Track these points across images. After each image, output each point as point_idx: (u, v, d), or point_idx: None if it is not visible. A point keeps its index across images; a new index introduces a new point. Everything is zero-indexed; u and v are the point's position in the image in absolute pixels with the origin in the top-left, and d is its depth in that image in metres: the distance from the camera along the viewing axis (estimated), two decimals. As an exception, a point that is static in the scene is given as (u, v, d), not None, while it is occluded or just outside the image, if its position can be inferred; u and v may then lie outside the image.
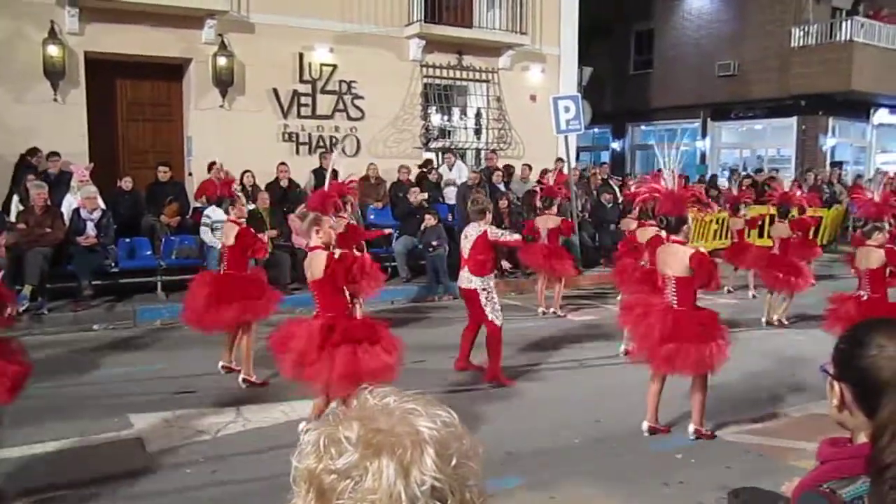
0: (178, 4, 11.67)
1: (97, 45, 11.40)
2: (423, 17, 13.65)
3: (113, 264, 9.78)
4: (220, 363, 6.99)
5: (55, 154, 10.55)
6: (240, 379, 6.67)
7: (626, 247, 9.12)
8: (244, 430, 5.60)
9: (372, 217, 12.11)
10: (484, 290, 6.77)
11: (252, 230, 7.13)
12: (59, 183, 10.24)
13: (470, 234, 6.80)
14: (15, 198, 10.00)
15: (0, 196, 10.43)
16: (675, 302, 5.40)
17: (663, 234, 7.39)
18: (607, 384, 6.89)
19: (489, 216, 6.91)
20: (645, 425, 5.56)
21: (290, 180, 11.78)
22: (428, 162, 13.77)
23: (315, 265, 5.16)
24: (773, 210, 11.16)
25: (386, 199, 12.45)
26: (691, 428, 5.51)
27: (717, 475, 4.84)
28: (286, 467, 1.02)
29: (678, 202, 5.59)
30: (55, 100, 11.09)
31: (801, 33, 19.81)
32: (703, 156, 22.42)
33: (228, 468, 4.91)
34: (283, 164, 11.85)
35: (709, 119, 22.21)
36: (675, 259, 5.41)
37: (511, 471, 4.76)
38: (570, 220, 10.76)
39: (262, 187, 11.31)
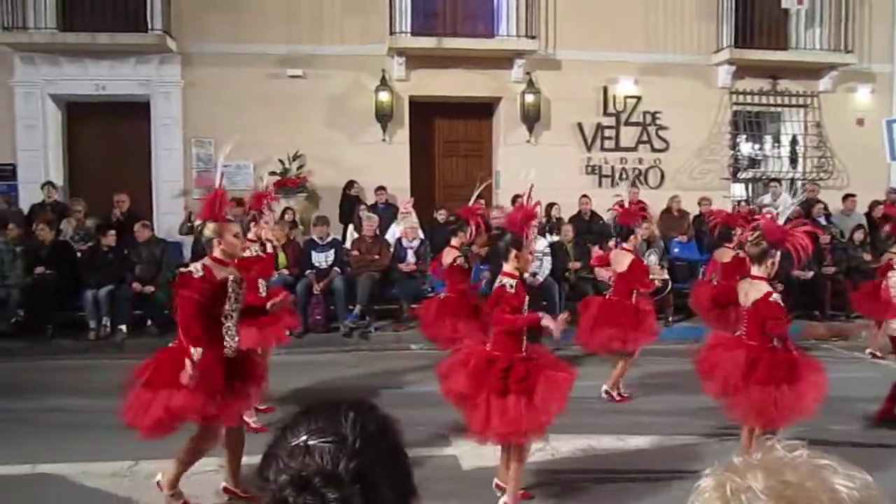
0: (491, 47, 12.50)
1: (420, 90, 12.55)
2: (732, 43, 13.06)
3: (430, 290, 10.57)
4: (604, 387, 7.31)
5: (382, 188, 11.78)
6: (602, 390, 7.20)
7: None
8: (553, 458, 5.71)
9: (676, 251, 11.75)
10: None
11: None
12: (386, 214, 11.38)
13: None
14: (350, 227, 11.34)
15: (336, 223, 11.83)
16: None
17: None
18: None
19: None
20: None
21: (593, 212, 11.91)
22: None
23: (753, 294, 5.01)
24: None
25: (691, 233, 12.00)
26: None
27: None
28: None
29: None
30: (384, 140, 12.40)
31: None
32: None
33: (536, 492, 5.05)
34: (585, 196, 12.00)
35: None
36: None
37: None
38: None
39: (566, 219, 11.54)
